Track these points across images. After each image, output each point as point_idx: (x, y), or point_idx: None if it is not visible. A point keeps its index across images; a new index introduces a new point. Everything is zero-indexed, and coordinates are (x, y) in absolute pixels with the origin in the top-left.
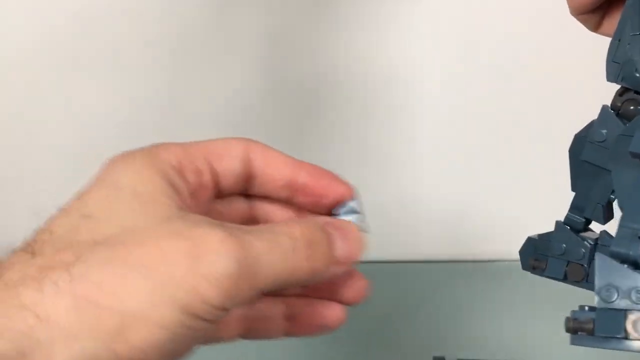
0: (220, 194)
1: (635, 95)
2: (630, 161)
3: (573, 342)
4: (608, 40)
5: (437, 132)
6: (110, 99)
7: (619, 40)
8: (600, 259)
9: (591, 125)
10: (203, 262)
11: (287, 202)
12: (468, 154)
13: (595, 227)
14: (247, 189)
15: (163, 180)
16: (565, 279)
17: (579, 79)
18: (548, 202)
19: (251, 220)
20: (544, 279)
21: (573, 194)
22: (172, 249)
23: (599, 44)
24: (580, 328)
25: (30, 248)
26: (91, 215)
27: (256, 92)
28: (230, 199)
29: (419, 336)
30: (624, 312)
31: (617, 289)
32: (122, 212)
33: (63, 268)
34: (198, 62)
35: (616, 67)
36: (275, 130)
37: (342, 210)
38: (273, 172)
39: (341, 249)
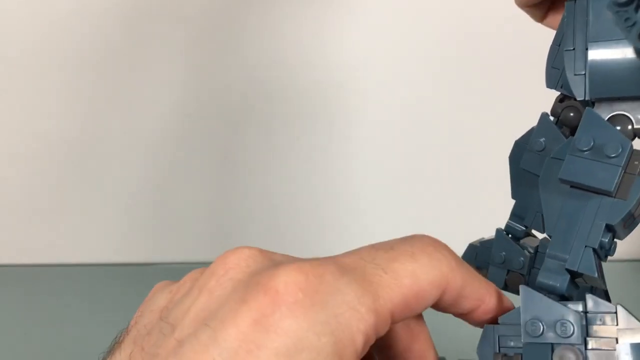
0: None
1: (575, 102)
2: (560, 186)
3: None
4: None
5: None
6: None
7: (559, 46)
8: (524, 292)
9: (531, 132)
10: None
11: None
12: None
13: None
14: None
15: None
16: (506, 287)
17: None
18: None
19: None
20: None
21: (514, 201)
22: None
23: (542, 51)
24: None
25: None
26: None
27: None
28: None
29: None
30: (550, 346)
31: (543, 322)
32: None
33: None
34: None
35: (556, 74)
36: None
37: None
38: (467, 302)
39: None
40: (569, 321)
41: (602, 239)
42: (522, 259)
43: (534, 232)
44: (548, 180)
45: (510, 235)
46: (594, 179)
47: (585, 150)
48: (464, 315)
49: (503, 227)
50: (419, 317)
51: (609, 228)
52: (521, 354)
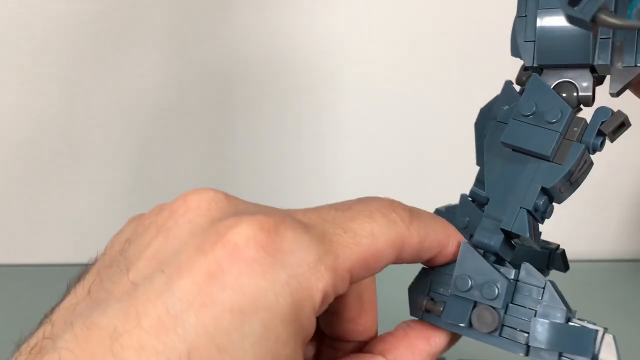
0: None
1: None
2: (502, 150)
3: (421, 318)
4: None
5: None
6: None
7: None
8: (464, 248)
9: (495, 100)
10: None
11: None
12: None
13: None
14: None
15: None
16: None
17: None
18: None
19: None
20: None
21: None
22: None
23: None
24: (432, 309)
25: None
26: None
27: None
28: None
29: None
30: (473, 303)
31: (472, 280)
32: None
33: None
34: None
35: None
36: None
37: None
38: (426, 254)
39: None
40: (496, 285)
41: (537, 201)
42: None
43: None
44: (492, 143)
45: (474, 201)
46: (533, 143)
47: (528, 115)
48: (424, 263)
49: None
50: (373, 292)
51: (545, 191)
52: (445, 302)
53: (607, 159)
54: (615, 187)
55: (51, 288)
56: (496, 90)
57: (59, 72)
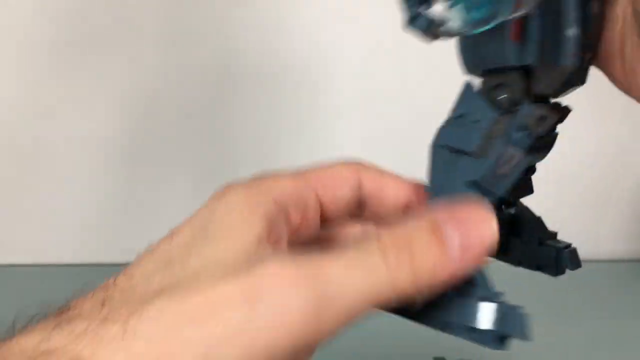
0: (329, 219)
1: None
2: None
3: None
4: None
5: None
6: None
7: None
8: None
9: None
10: (262, 306)
11: None
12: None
13: None
14: (358, 214)
15: (260, 218)
16: None
17: None
18: None
19: None
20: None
21: None
22: (226, 294)
23: None
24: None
25: (105, 294)
26: (171, 260)
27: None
28: (343, 223)
29: (419, 336)
30: None
31: None
32: (199, 254)
33: (120, 322)
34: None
35: None
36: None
37: None
38: (389, 196)
39: (458, 244)
40: None
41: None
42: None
43: None
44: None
45: None
46: (460, 141)
47: (457, 118)
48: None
49: None
50: None
51: (476, 184)
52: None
53: (607, 159)
54: (615, 187)
55: (43, 288)
56: None
57: (48, 68)
